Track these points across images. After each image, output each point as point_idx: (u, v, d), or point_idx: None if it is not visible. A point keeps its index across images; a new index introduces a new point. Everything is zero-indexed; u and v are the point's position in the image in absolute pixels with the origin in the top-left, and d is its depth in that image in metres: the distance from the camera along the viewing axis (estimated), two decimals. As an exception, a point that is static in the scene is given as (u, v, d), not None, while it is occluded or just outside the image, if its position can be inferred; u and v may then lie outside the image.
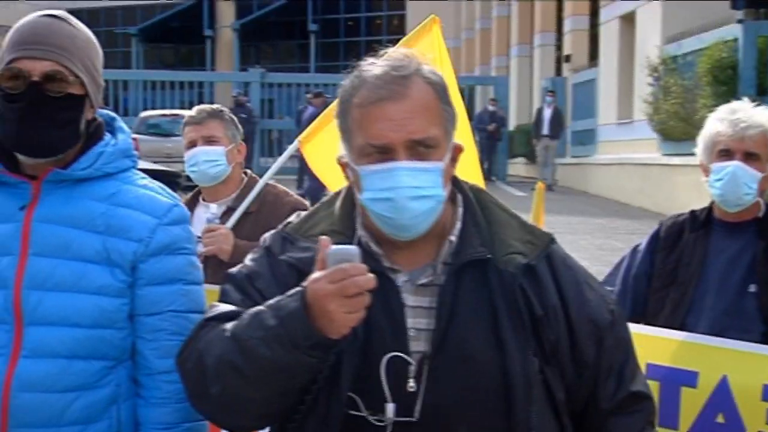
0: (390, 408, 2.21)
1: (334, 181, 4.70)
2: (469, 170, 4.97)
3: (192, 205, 4.60)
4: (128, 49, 53.63)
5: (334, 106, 4.80)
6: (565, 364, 2.30)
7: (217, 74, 42.47)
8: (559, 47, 31.45)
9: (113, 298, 2.54)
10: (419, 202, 2.21)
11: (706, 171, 3.75)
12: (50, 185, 2.54)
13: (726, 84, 16.74)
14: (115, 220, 2.56)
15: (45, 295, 2.49)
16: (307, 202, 4.69)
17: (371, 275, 2.07)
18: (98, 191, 2.59)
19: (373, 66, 2.26)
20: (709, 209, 3.83)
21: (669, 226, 3.88)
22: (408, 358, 2.23)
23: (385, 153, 2.22)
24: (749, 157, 3.67)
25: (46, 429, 2.50)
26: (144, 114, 27.78)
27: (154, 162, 18.56)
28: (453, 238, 2.31)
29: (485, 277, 2.27)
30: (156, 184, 2.71)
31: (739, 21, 16.94)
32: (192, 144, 4.56)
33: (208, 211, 4.50)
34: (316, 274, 2.09)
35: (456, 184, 2.38)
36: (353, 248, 2.11)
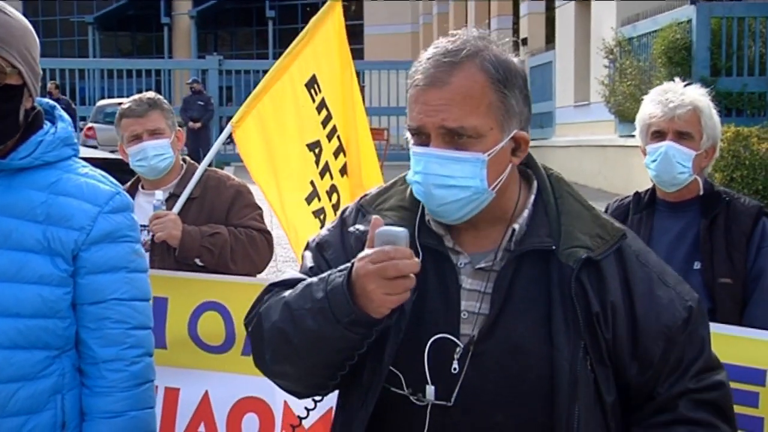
0: (430, 390, 2.21)
1: (260, 171, 4.75)
2: (367, 163, 5.08)
3: (131, 193, 4.57)
4: (84, 38, 53.01)
5: (259, 88, 4.86)
6: (625, 363, 2.23)
7: (174, 62, 42.13)
8: (515, 31, 31.50)
9: (55, 288, 2.53)
10: (447, 191, 2.19)
11: (644, 152, 3.79)
12: None
13: (680, 65, 16.84)
14: (55, 209, 2.55)
15: None
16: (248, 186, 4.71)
17: (415, 260, 2.07)
18: (38, 180, 2.57)
19: (433, 47, 2.25)
20: (653, 190, 3.88)
21: (615, 209, 3.92)
22: (456, 340, 2.22)
23: (420, 136, 2.21)
24: (681, 137, 3.71)
25: None
26: (101, 102, 27.57)
27: (112, 151, 18.47)
28: (517, 225, 2.27)
29: (546, 267, 2.23)
30: (98, 173, 2.69)
31: (693, 2, 17.04)
32: (135, 137, 4.49)
33: (151, 199, 4.47)
34: (363, 252, 2.10)
35: (535, 169, 2.36)
36: (401, 230, 2.10)
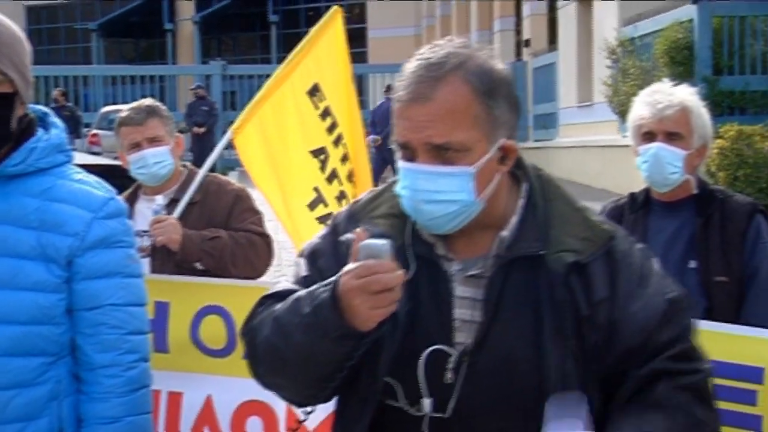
0: (427, 402, 2.20)
1: (262, 177, 4.79)
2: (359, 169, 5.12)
3: (132, 199, 4.61)
4: (88, 45, 53.09)
5: (260, 95, 4.90)
6: (606, 361, 2.21)
7: (178, 68, 42.18)
8: (518, 32, 31.49)
9: (50, 294, 2.53)
10: (435, 206, 2.18)
11: (637, 153, 3.80)
12: None
13: (683, 64, 16.84)
14: (49, 216, 2.55)
15: None
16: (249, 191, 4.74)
17: (399, 273, 2.06)
18: (32, 187, 2.57)
19: (416, 58, 2.23)
20: (647, 190, 3.89)
21: (610, 210, 3.93)
22: (449, 350, 2.21)
23: (407, 151, 2.20)
24: (671, 137, 3.71)
25: None
26: (105, 109, 27.59)
27: (116, 158, 18.47)
28: (506, 232, 2.26)
29: (535, 273, 2.22)
30: (92, 178, 2.70)
31: (694, 1, 17.03)
32: (135, 145, 4.52)
33: (152, 204, 4.50)
34: (347, 267, 2.09)
35: (524, 171, 2.34)
36: (383, 243, 2.08)
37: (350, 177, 5.08)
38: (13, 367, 2.53)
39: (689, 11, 17.23)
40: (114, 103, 29.30)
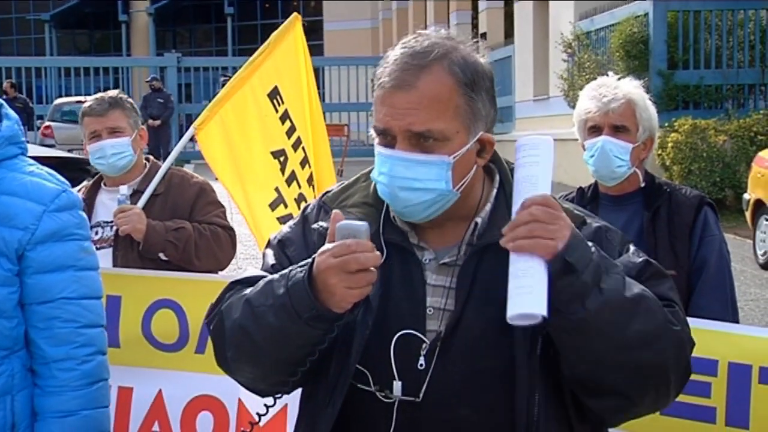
0: (397, 386, 2.20)
1: (225, 174, 4.82)
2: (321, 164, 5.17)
3: (94, 191, 4.63)
4: (41, 36, 52.67)
5: (221, 94, 4.94)
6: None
7: (132, 59, 41.94)
8: (474, 26, 31.62)
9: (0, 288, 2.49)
10: (412, 194, 2.19)
11: (584, 148, 3.79)
12: None
13: (638, 58, 17.01)
14: None
15: None
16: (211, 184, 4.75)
17: (376, 253, 2.07)
18: None
19: (401, 46, 2.23)
20: (596, 185, 3.89)
21: None
22: (422, 336, 2.22)
23: (386, 137, 2.20)
24: (617, 130, 3.70)
25: None
26: (59, 101, 27.41)
27: (70, 150, 18.32)
28: (479, 219, 2.28)
29: (507, 260, 2.18)
30: (44, 170, 2.66)
31: (649, -4, 17.22)
32: (95, 136, 4.53)
33: (114, 196, 4.50)
34: (324, 247, 2.09)
35: (498, 164, 2.36)
36: (362, 224, 2.09)
37: (310, 181, 5.11)
38: None
39: (644, 5, 17.39)
40: (68, 95, 29.10)
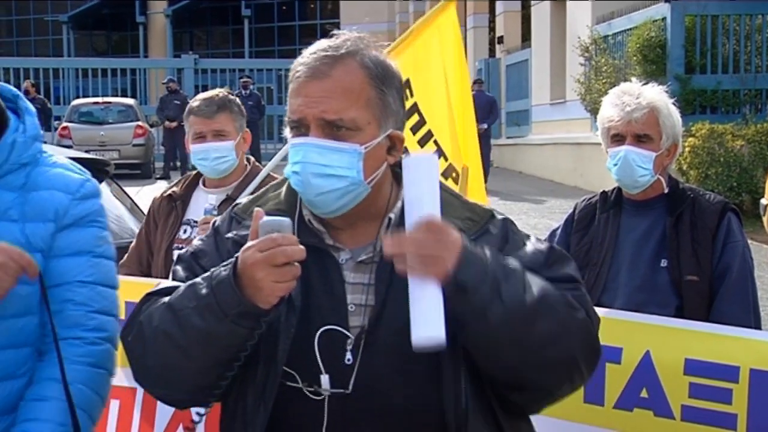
0: (324, 379, 2.25)
1: None
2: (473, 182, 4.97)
3: (192, 186, 4.58)
4: (59, 37, 52.78)
5: None
6: None
7: (149, 61, 42.01)
8: (492, 29, 31.58)
9: (26, 284, 2.48)
10: (325, 180, 2.25)
11: (608, 153, 3.78)
12: None
13: (655, 62, 16.97)
14: (29, 206, 2.53)
15: None
16: None
17: (301, 247, 2.11)
18: (12, 181, 2.55)
19: (315, 45, 2.32)
20: (619, 189, 3.87)
21: (582, 208, 3.92)
22: (346, 332, 2.27)
23: (300, 128, 2.28)
24: (640, 139, 3.69)
25: None
26: (76, 102, 27.45)
27: (87, 150, 18.36)
28: (392, 215, 2.34)
29: None
30: (65, 160, 2.68)
31: (667, 0, 17.16)
32: (200, 136, 4.47)
33: (207, 197, 4.43)
34: (248, 243, 2.14)
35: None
36: (285, 219, 2.15)
37: (447, 174, 4.87)
38: (6, 358, 2.50)
39: (662, 10, 17.34)
40: (85, 96, 29.17)
